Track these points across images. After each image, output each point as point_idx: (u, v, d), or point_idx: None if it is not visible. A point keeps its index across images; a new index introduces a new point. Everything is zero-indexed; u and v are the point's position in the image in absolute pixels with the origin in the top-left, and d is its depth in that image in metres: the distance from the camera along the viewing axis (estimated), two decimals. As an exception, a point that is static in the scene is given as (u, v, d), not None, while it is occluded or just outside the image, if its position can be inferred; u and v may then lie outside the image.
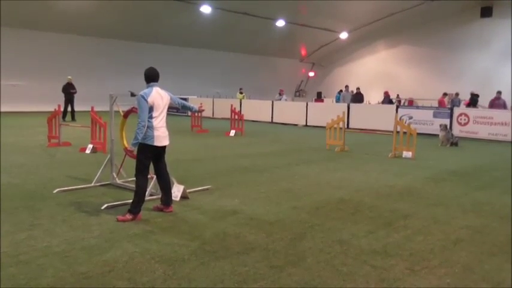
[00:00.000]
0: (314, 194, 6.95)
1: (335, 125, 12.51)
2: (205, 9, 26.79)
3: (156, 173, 5.81)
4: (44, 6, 22.93)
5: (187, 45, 31.35)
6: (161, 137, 5.52)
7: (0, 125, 15.55)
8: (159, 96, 5.49)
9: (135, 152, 5.52)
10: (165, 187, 5.78)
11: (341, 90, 25.62)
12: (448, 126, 15.02)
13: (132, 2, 24.23)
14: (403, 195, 6.99)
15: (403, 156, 11.07)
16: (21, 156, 9.84)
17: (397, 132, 11.37)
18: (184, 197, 6.24)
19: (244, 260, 4.12)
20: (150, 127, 5.40)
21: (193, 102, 24.16)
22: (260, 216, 5.56)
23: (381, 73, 34.81)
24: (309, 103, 22.10)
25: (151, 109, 5.39)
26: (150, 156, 5.54)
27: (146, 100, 5.34)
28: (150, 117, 5.40)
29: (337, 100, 25.04)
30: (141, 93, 5.39)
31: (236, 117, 16.49)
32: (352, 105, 20.28)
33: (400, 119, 14.03)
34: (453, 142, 13.93)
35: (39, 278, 3.68)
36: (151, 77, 5.55)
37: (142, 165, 5.48)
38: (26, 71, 24.91)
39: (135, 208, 5.33)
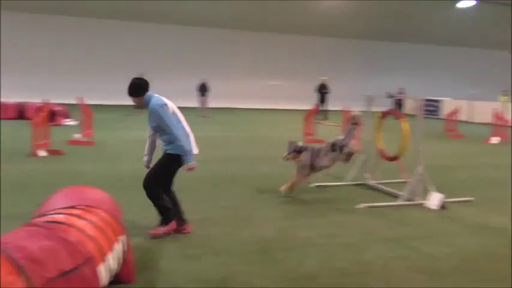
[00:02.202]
0: None
1: None
2: (464, 4, 24.91)
3: (169, 188, 4.77)
4: (307, 10, 25.02)
5: (441, 44, 29.86)
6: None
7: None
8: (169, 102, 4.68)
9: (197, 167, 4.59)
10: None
11: None
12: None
13: (387, 2, 24.19)
14: None
15: None
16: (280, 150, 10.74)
17: None
18: (442, 206, 5.84)
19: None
20: (187, 135, 4.65)
21: (447, 104, 22.77)
22: (537, 241, 4.74)
23: None
24: None
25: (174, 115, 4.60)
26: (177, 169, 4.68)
27: (168, 106, 4.53)
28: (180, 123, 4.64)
29: None
30: (157, 103, 4.46)
31: (499, 122, 14.68)
32: None
33: None
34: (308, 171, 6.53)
35: (303, 266, 3.95)
36: (147, 85, 4.56)
37: (169, 179, 4.69)
38: (283, 72, 28.13)
39: (177, 219, 4.65)
